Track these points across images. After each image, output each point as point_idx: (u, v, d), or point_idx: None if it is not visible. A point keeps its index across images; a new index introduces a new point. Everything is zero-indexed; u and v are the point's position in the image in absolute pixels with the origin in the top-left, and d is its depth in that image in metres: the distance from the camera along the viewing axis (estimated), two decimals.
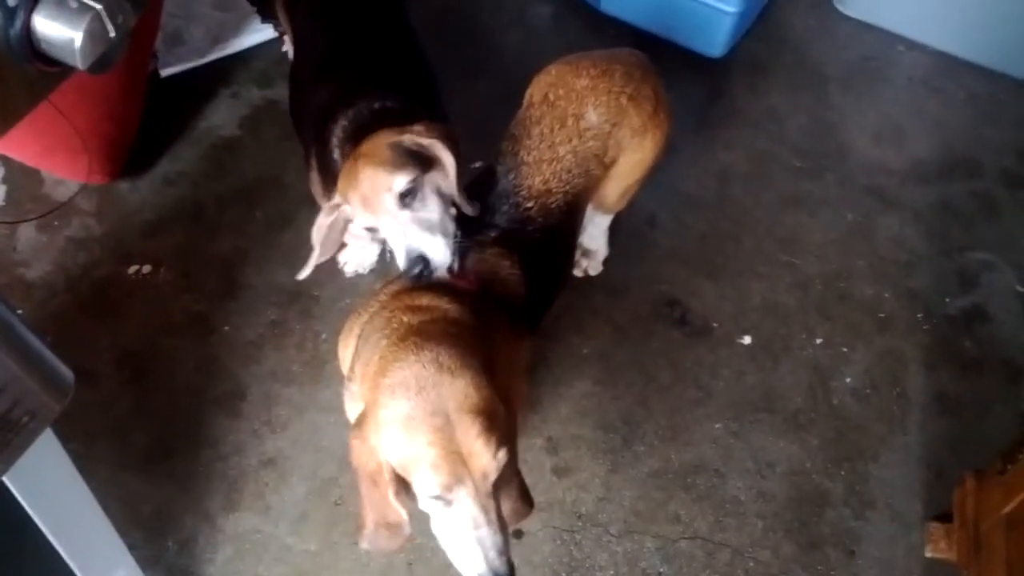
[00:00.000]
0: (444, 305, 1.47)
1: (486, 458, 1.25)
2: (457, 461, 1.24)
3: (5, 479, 1.05)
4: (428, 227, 1.67)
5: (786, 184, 2.59)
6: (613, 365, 2.24)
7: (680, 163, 2.56)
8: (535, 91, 1.87)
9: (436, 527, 1.33)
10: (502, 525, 1.30)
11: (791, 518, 2.04)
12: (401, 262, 1.67)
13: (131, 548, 1.58)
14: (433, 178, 1.70)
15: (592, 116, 1.79)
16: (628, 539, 2.00)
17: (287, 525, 2.01)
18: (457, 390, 1.27)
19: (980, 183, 2.59)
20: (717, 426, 2.16)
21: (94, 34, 0.81)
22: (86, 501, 1.35)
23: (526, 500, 1.43)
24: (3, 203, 2.53)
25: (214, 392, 2.18)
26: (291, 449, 2.10)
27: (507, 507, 1.38)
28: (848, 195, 2.56)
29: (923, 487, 2.08)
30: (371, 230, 1.72)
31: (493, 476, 1.27)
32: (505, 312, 1.63)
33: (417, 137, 1.69)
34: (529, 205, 1.75)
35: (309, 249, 1.81)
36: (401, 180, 1.64)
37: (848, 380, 2.23)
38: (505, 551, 1.30)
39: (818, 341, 2.29)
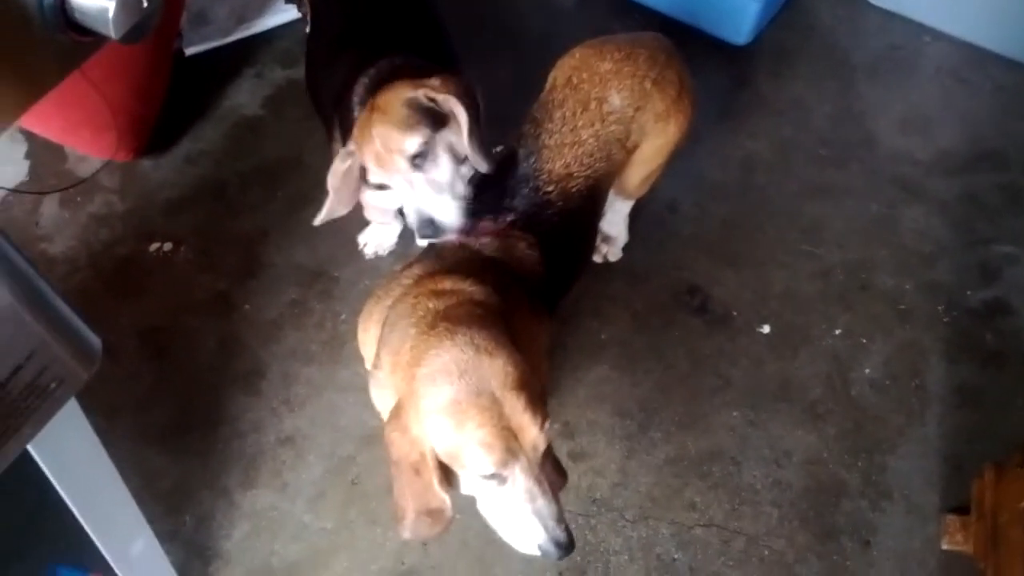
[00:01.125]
0: (467, 288, 1.47)
1: (535, 431, 1.27)
2: (509, 437, 1.25)
3: (29, 447, 1.06)
4: (439, 189, 1.69)
5: (810, 173, 2.57)
6: (631, 351, 2.24)
7: (703, 150, 2.55)
8: (558, 74, 1.86)
9: (486, 507, 1.35)
10: (556, 496, 1.32)
11: (807, 507, 2.03)
12: (412, 222, 1.69)
13: (149, 522, 1.59)
14: (445, 136, 1.71)
15: (615, 100, 1.78)
16: (643, 525, 2.00)
17: (304, 503, 2.02)
18: (498, 369, 1.27)
19: (1006, 175, 2.56)
20: (735, 414, 2.15)
21: (128, 3, 0.81)
22: (108, 472, 1.36)
23: (560, 472, 1.43)
24: (26, 178, 2.55)
25: (234, 370, 2.19)
26: (309, 428, 2.11)
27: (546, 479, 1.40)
28: (873, 185, 2.54)
29: (940, 479, 2.07)
30: (382, 186, 1.74)
31: (543, 447, 1.29)
32: (524, 290, 1.63)
33: (432, 92, 1.69)
34: (549, 189, 1.74)
35: (324, 193, 1.82)
36: (413, 142, 1.65)
37: (867, 371, 2.22)
38: (563, 519, 1.32)
39: (838, 331, 2.28)
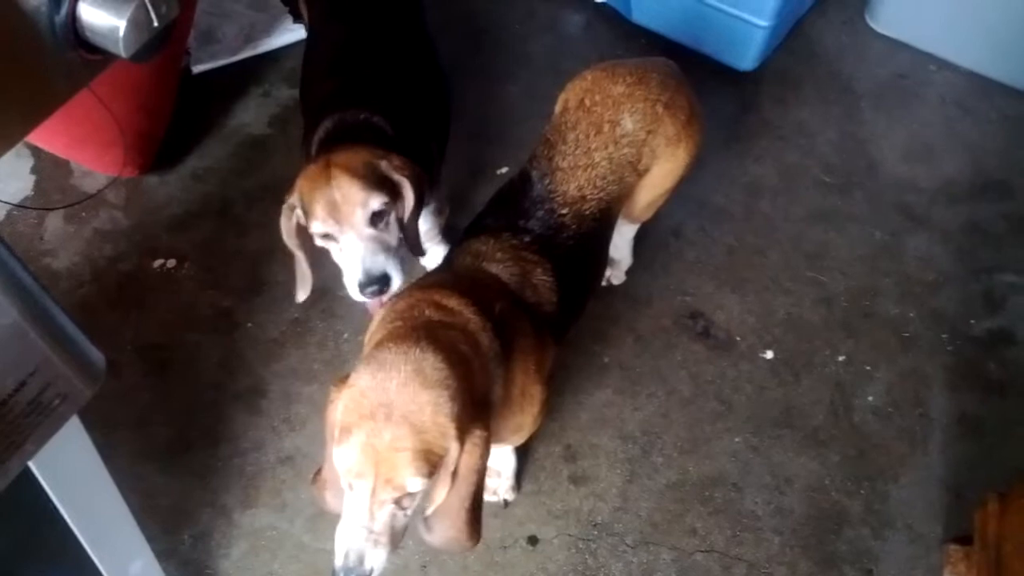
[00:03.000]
0: (467, 315, 1.47)
1: (397, 473, 1.24)
2: (371, 456, 1.24)
3: (30, 463, 1.06)
4: (387, 249, 1.73)
5: (814, 199, 2.57)
6: (634, 375, 2.24)
7: (708, 175, 2.55)
8: (570, 96, 1.87)
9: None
10: (381, 539, 1.29)
11: (809, 535, 2.02)
12: (357, 277, 1.71)
13: (147, 540, 1.58)
14: (398, 208, 1.75)
15: (628, 123, 1.79)
16: (644, 550, 1.99)
17: (303, 523, 2.01)
18: (417, 398, 1.25)
19: (1010, 204, 2.56)
20: (737, 440, 2.14)
21: (138, 23, 0.82)
22: (109, 491, 1.36)
23: (471, 534, 1.38)
24: (32, 193, 2.55)
25: (235, 388, 2.19)
26: (309, 447, 2.10)
27: (445, 534, 1.38)
28: (877, 212, 2.55)
29: (943, 508, 2.06)
30: (325, 236, 1.74)
31: (393, 494, 1.26)
32: (530, 319, 1.63)
33: (392, 169, 1.74)
34: (564, 212, 1.74)
35: (292, 258, 1.85)
36: (376, 200, 1.69)
37: (870, 399, 2.21)
38: (357, 567, 1.29)
39: (841, 358, 2.27)
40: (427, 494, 1.35)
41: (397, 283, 1.72)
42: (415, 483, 1.25)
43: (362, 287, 1.70)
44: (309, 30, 2.33)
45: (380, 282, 1.69)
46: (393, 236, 1.75)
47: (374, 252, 1.70)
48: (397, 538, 1.32)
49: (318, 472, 1.46)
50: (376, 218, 1.70)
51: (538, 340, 1.62)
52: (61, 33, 0.83)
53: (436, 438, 1.26)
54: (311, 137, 1.92)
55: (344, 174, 1.68)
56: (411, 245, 1.81)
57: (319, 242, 1.77)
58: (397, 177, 1.74)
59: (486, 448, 1.32)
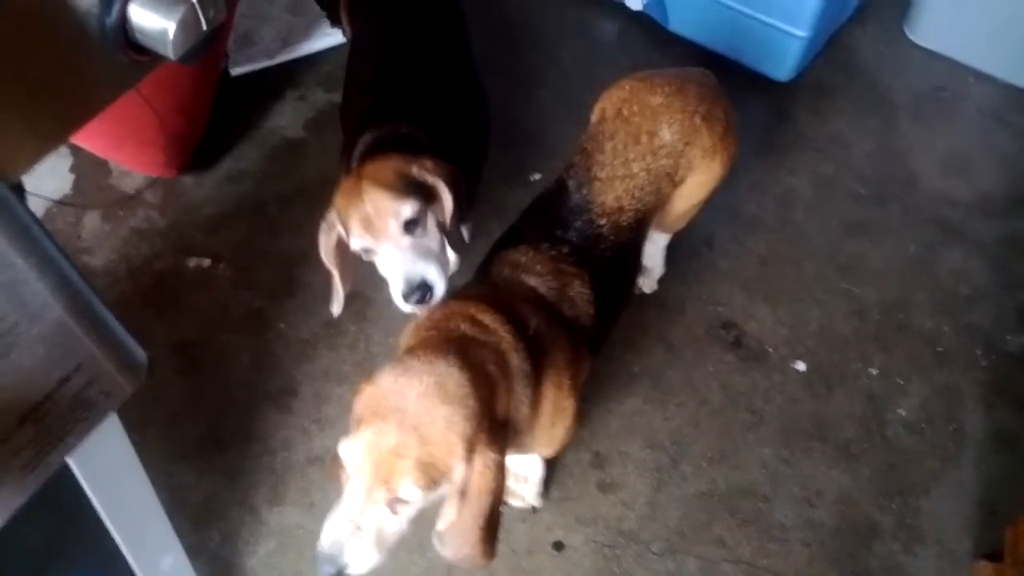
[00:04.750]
0: (502, 333, 1.46)
1: (393, 477, 1.24)
2: (373, 454, 1.24)
3: (67, 458, 1.07)
4: (428, 254, 1.70)
5: (849, 211, 2.56)
6: (664, 384, 2.23)
7: (742, 185, 2.55)
8: (608, 105, 1.86)
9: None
10: (367, 536, 1.29)
11: (838, 548, 2.00)
12: (400, 287, 1.68)
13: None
14: (434, 210, 1.73)
15: (666, 134, 1.78)
16: (670, 558, 1.99)
17: None
18: (432, 411, 1.26)
19: None
20: (767, 451, 2.13)
21: (187, 25, 0.83)
22: (143, 486, 1.37)
23: (484, 552, 1.37)
24: (70, 191, 2.59)
25: (267, 388, 2.21)
26: (338, 447, 2.11)
27: (458, 550, 1.37)
28: (912, 225, 2.53)
29: (975, 525, 2.04)
30: (366, 251, 1.72)
31: (386, 496, 1.26)
32: (567, 333, 1.62)
33: (424, 171, 1.71)
34: (602, 222, 1.74)
35: (329, 275, 1.83)
36: (408, 208, 1.66)
37: (903, 412, 2.19)
38: (337, 557, 1.28)
39: (874, 371, 2.26)
40: (436, 507, 1.35)
41: (441, 290, 1.69)
42: (410, 492, 1.25)
43: (405, 297, 1.68)
44: (351, 46, 2.33)
45: (422, 289, 1.67)
46: (433, 240, 1.73)
47: (413, 260, 1.68)
48: (384, 541, 1.31)
49: (337, 455, 1.46)
50: (411, 225, 1.68)
51: (573, 355, 1.61)
52: (111, 35, 0.84)
53: (442, 454, 1.26)
54: (350, 152, 1.92)
55: (373, 186, 1.66)
56: (453, 245, 1.79)
57: (365, 257, 1.75)
58: (431, 179, 1.72)
59: (499, 472, 1.32)
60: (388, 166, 1.71)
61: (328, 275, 1.86)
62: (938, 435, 2.16)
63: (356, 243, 1.71)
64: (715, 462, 2.11)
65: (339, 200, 1.73)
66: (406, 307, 1.71)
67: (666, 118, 1.79)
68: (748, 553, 2.00)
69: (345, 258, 1.80)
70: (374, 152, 1.83)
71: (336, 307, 1.88)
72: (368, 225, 1.68)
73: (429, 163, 1.74)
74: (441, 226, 1.75)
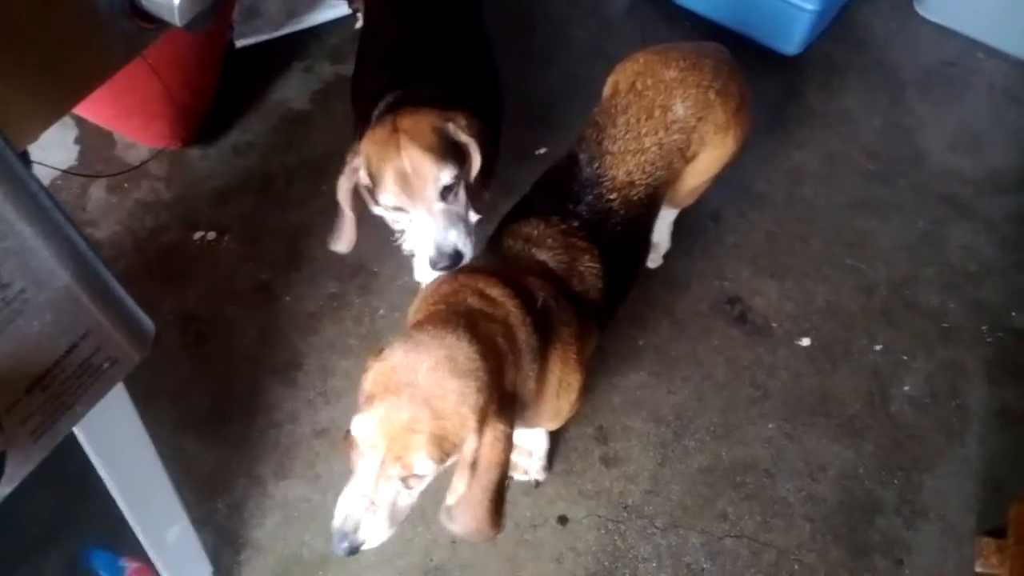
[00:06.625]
0: (509, 306, 1.46)
1: (408, 452, 1.24)
2: (386, 430, 1.25)
3: (74, 429, 1.07)
4: (456, 220, 1.66)
5: (857, 187, 2.54)
6: (669, 359, 2.23)
7: (750, 161, 2.53)
8: (621, 78, 1.84)
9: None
10: (381, 512, 1.29)
11: (840, 523, 2.01)
12: (430, 253, 1.64)
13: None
14: (464, 174, 1.70)
15: (680, 109, 1.77)
16: (673, 533, 1.99)
17: (335, 495, 2.00)
18: (443, 384, 1.26)
19: None
20: (771, 426, 2.13)
21: None
22: (149, 457, 1.38)
23: (492, 524, 1.38)
24: (75, 163, 2.58)
25: (272, 360, 2.21)
26: (343, 420, 2.11)
27: (466, 524, 1.38)
28: (920, 201, 2.51)
29: (978, 501, 2.04)
30: (396, 209, 1.69)
31: (401, 472, 1.26)
32: (576, 308, 1.62)
33: (459, 130, 1.68)
34: (612, 197, 1.73)
35: (340, 214, 1.78)
36: (447, 174, 1.63)
37: (907, 388, 2.19)
38: (351, 534, 1.30)
39: (879, 347, 2.25)
40: (447, 480, 1.36)
41: (468, 256, 1.66)
42: (424, 466, 1.25)
43: (433, 264, 1.64)
44: (364, 23, 2.29)
45: (452, 259, 1.63)
46: (462, 205, 1.69)
47: (445, 227, 1.64)
48: (397, 515, 1.32)
49: (348, 432, 1.47)
50: (446, 191, 1.65)
51: (581, 330, 1.61)
52: (118, 1, 0.84)
53: (454, 427, 1.26)
54: (363, 126, 1.86)
55: (414, 145, 1.61)
56: (476, 207, 1.76)
57: (386, 212, 1.72)
58: (464, 138, 1.68)
59: (508, 444, 1.32)
60: (425, 120, 1.66)
61: (333, 221, 1.81)
62: (942, 411, 2.16)
63: (387, 200, 1.67)
64: (719, 437, 2.12)
65: (369, 148, 1.67)
66: (431, 272, 1.68)
67: (680, 92, 1.77)
68: (751, 528, 2.00)
69: (362, 203, 1.76)
70: (403, 106, 1.77)
71: (342, 246, 1.82)
72: (405, 185, 1.63)
73: (464, 119, 1.69)
74: (468, 188, 1.72)
